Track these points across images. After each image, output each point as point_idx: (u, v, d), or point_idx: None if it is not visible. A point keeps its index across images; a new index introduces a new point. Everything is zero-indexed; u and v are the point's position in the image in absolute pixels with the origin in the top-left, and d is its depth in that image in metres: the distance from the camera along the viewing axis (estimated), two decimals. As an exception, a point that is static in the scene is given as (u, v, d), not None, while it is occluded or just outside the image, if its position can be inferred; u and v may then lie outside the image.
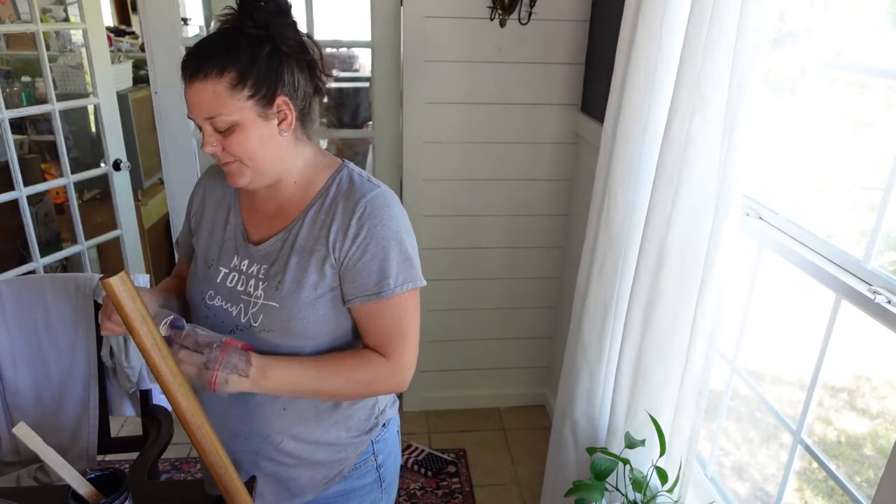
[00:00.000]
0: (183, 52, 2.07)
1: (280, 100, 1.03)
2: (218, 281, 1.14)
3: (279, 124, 1.05)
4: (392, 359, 1.11)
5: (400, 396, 2.78)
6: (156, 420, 1.74)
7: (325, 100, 1.14)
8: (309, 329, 1.09)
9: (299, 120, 1.08)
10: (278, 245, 1.11)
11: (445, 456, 2.57)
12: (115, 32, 4.75)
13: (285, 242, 1.10)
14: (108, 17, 5.55)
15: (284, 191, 1.12)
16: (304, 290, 1.08)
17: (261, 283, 1.10)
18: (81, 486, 1.00)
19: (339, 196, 1.09)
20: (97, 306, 1.74)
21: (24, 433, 0.95)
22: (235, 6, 1.04)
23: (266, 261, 1.11)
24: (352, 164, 1.15)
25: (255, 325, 1.09)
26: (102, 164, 2.73)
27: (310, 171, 1.12)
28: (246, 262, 1.13)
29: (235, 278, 1.13)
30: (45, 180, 3.24)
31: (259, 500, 1.20)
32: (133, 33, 5.06)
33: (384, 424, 1.25)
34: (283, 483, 1.20)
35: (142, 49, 4.31)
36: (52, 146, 3.21)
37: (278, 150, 1.07)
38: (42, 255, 2.47)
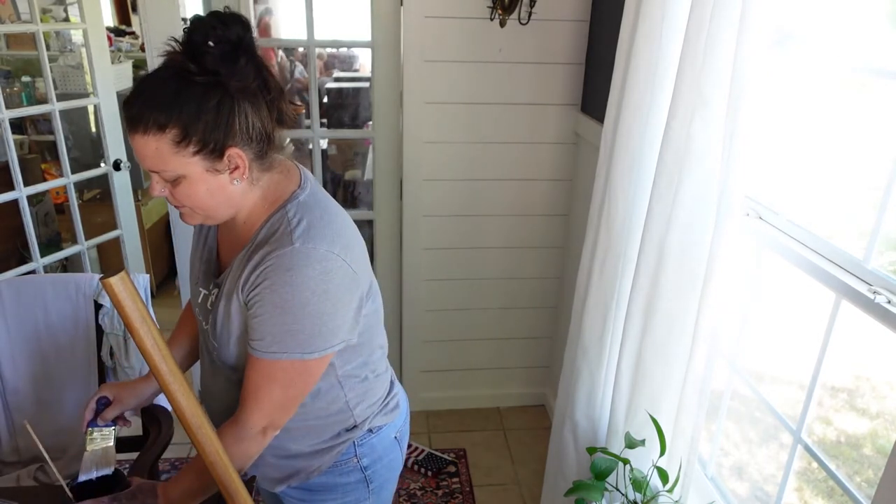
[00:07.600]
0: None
1: (231, 151, 0.95)
2: (199, 301, 1.16)
3: (231, 173, 0.98)
4: (238, 419, 1.05)
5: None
6: (156, 420, 1.74)
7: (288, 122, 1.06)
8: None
9: (256, 161, 1.00)
10: (220, 282, 1.10)
11: (445, 456, 2.57)
12: (115, 32, 4.75)
13: (224, 282, 1.08)
14: (108, 17, 5.55)
15: (236, 225, 1.08)
16: (233, 334, 1.07)
17: (209, 316, 1.11)
18: None
19: (264, 241, 1.02)
20: (97, 306, 1.75)
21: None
22: (179, 42, 0.92)
23: (214, 291, 1.11)
24: (296, 202, 1.04)
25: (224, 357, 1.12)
26: (102, 164, 2.73)
27: (257, 210, 1.06)
28: (211, 288, 1.13)
29: (204, 300, 1.14)
30: (45, 180, 3.25)
31: None
32: (133, 33, 5.06)
33: (370, 430, 1.24)
34: (261, 470, 1.23)
35: (142, 49, 4.32)
36: (52, 146, 3.22)
37: (230, 198, 1.01)
38: (42, 255, 2.47)
